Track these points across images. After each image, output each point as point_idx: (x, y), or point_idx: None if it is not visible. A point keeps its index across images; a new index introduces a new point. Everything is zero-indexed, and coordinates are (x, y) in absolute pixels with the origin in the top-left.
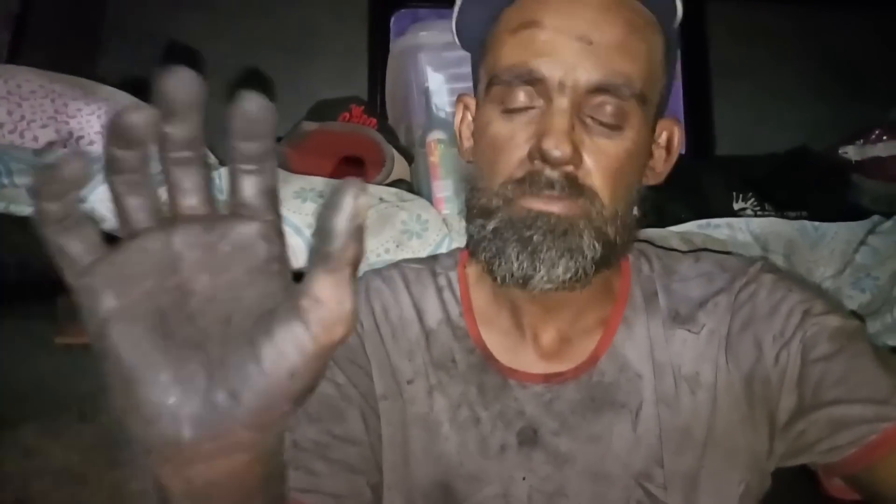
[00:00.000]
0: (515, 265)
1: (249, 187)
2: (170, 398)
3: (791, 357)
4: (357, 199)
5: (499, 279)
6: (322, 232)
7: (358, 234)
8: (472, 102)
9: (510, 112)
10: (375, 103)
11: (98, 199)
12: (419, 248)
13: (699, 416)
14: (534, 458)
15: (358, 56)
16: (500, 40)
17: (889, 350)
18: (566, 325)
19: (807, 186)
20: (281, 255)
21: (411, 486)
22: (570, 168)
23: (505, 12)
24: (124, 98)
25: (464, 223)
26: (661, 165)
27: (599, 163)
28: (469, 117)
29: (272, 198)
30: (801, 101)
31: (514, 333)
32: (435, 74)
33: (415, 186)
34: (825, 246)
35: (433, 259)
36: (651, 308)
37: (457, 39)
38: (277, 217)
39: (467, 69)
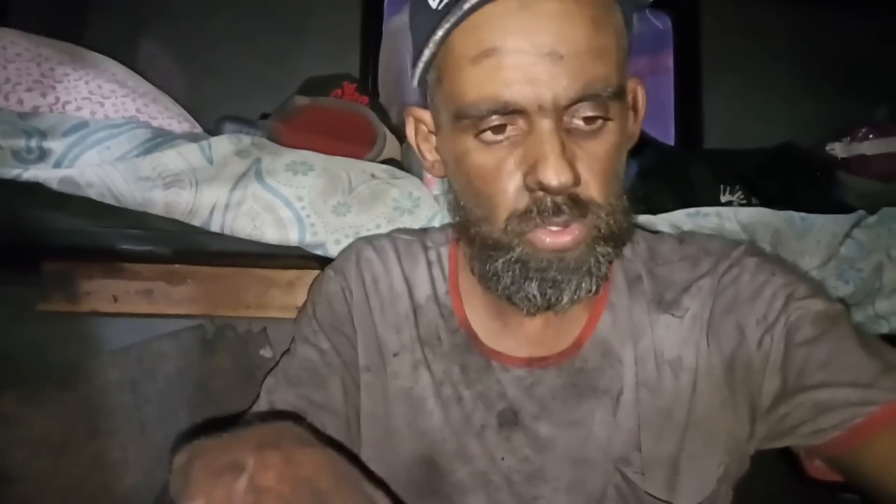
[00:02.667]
0: (539, 299)
1: None
2: None
3: (774, 341)
4: None
5: (521, 309)
6: None
7: None
8: (425, 117)
9: (488, 140)
10: (367, 82)
11: (86, 164)
12: (410, 225)
13: (680, 399)
14: (513, 439)
15: (351, 34)
16: (459, 70)
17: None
18: (552, 314)
19: (793, 182)
20: None
21: (393, 461)
22: (572, 189)
23: (455, 36)
24: (112, 65)
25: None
26: (634, 127)
27: (593, 169)
28: (424, 129)
29: None
30: (791, 96)
31: (499, 317)
32: None
33: (405, 166)
34: (811, 237)
35: (424, 232)
36: (635, 292)
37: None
38: None
39: None
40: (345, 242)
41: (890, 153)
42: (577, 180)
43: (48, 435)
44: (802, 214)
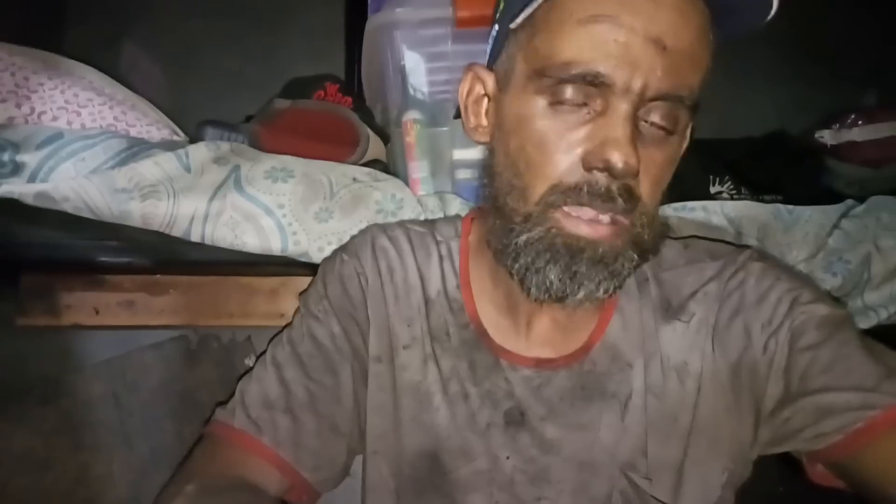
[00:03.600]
0: (555, 286)
1: None
2: None
3: (779, 345)
4: None
5: (531, 293)
6: None
7: None
8: (487, 78)
9: (559, 106)
10: (353, 81)
11: (61, 178)
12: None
13: (686, 404)
14: (519, 439)
15: (334, 32)
16: (562, 29)
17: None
18: (561, 314)
19: (783, 170)
20: None
21: (398, 454)
22: (630, 179)
23: None
24: (89, 73)
25: (439, 203)
26: (680, 153)
27: (649, 172)
28: (479, 91)
29: None
30: (779, 81)
31: (509, 315)
32: (411, 53)
33: (390, 167)
34: (799, 229)
35: (432, 224)
36: (643, 296)
37: None
38: None
39: (445, 48)
40: (328, 249)
41: (879, 139)
42: (638, 171)
43: (31, 450)
44: (789, 207)
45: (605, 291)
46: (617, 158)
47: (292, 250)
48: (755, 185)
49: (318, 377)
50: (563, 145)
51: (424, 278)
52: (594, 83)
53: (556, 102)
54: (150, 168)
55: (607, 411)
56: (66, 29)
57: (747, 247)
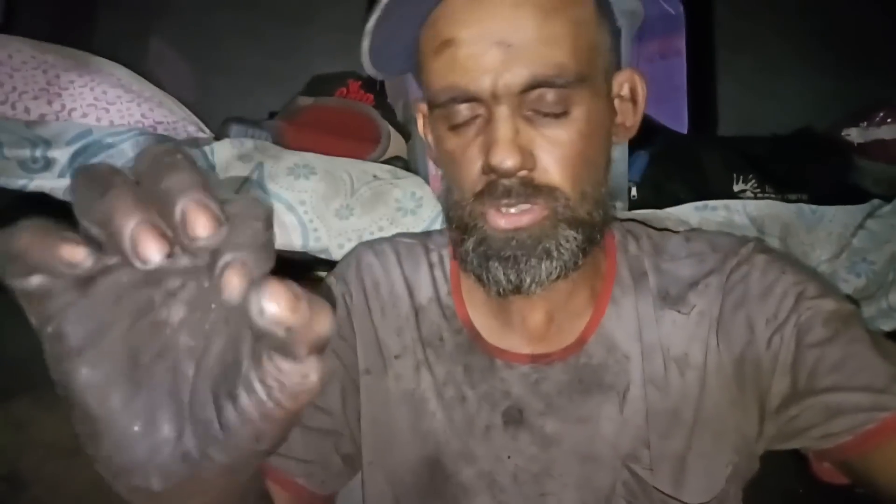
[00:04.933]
0: (503, 280)
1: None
2: (139, 452)
3: (785, 341)
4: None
5: (492, 292)
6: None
7: (313, 319)
8: (426, 109)
9: (457, 127)
10: (374, 79)
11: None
12: (413, 226)
13: (688, 397)
14: (519, 438)
15: (357, 29)
16: (427, 65)
17: (884, 334)
18: (554, 306)
19: (808, 168)
20: None
21: (396, 464)
22: (524, 172)
23: (423, 32)
24: (117, 69)
25: None
26: (630, 118)
27: (554, 155)
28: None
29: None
30: (805, 77)
31: (501, 315)
32: None
33: (411, 164)
34: (822, 229)
35: (426, 235)
36: (640, 288)
37: (371, 68)
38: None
39: None
40: (348, 246)
41: None
42: (528, 161)
43: (60, 439)
44: (813, 206)
45: (552, 273)
46: (497, 160)
47: (313, 246)
48: (780, 183)
49: None
50: (466, 160)
51: (412, 287)
52: (465, 100)
53: (454, 125)
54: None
55: (606, 403)
56: (95, 26)
57: (750, 238)
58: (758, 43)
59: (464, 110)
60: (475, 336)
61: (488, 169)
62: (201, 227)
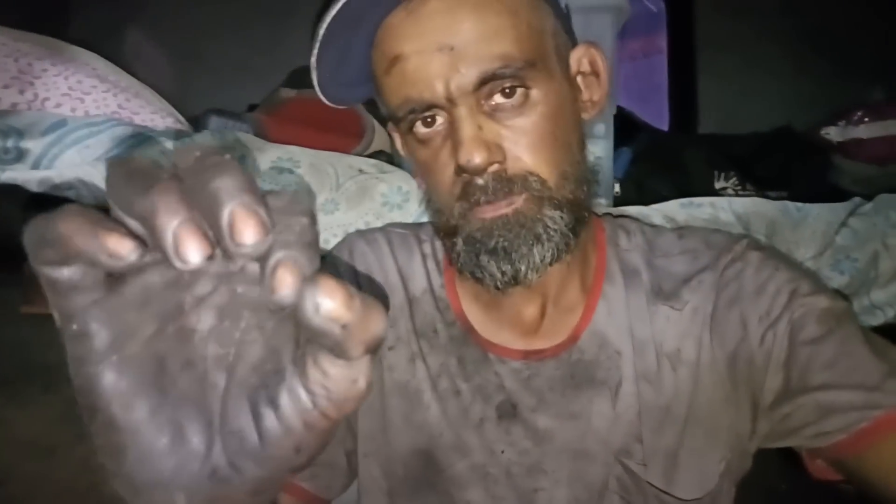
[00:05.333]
0: (498, 273)
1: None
2: (165, 467)
3: (778, 338)
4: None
5: (491, 288)
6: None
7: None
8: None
9: (425, 139)
10: None
11: (65, 165)
12: (400, 220)
13: (680, 393)
14: (513, 432)
15: None
16: (381, 83)
17: (871, 328)
18: (548, 300)
19: (788, 166)
20: None
21: (390, 455)
22: (495, 167)
23: (372, 55)
24: (92, 59)
25: None
26: (595, 93)
27: (522, 143)
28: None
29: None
30: (785, 76)
31: (494, 309)
32: None
33: (395, 158)
34: (807, 227)
35: (418, 226)
36: (632, 283)
37: (329, 100)
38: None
39: None
40: (333, 241)
41: (886, 136)
42: (496, 155)
43: (37, 437)
44: (798, 204)
45: (545, 257)
46: (465, 159)
47: None
48: (761, 181)
49: None
50: (439, 167)
51: (406, 278)
52: (422, 110)
53: (421, 137)
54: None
55: (598, 399)
56: (71, 16)
57: (745, 235)
58: (739, 42)
59: (426, 119)
60: (469, 329)
61: (460, 170)
62: (249, 233)
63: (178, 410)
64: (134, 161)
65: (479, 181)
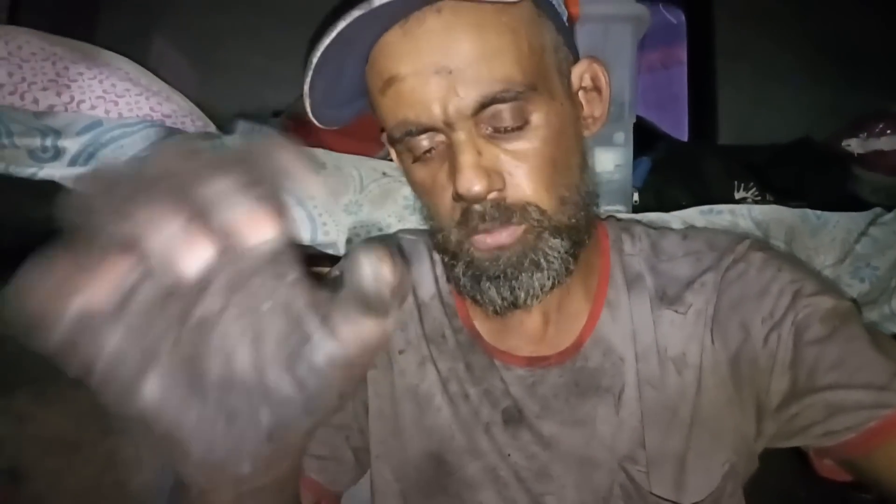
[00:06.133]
0: (498, 299)
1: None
2: (226, 448)
3: (782, 339)
4: (377, 266)
5: (489, 311)
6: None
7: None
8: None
9: (421, 159)
10: None
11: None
12: (421, 224)
13: (685, 396)
14: (520, 437)
15: None
16: (377, 102)
17: (891, 336)
18: (551, 309)
19: (808, 177)
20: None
21: (402, 458)
22: (494, 194)
23: (367, 73)
24: (125, 63)
25: None
26: (597, 109)
27: (522, 168)
28: None
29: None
30: (805, 87)
31: (499, 317)
32: None
33: None
34: (826, 234)
35: (427, 232)
36: (635, 289)
37: (321, 122)
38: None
39: None
40: (356, 241)
41: None
42: (496, 182)
43: (61, 433)
44: (817, 212)
45: (545, 285)
46: (464, 189)
47: (321, 240)
48: (780, 192)
49: None
50: (437, 189)
51: (415, 283)
52: (419, 132)
53: (417, 157)
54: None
55: (602, 406)
56: (97, 25)
57: (747, 236)
58: (758, 53)
59: (423, 141)
60: (475, 336)
61: (457, 195)
62: (263, 231)
63: (222, 394)
64: (110, 170)
65: (478, 207)
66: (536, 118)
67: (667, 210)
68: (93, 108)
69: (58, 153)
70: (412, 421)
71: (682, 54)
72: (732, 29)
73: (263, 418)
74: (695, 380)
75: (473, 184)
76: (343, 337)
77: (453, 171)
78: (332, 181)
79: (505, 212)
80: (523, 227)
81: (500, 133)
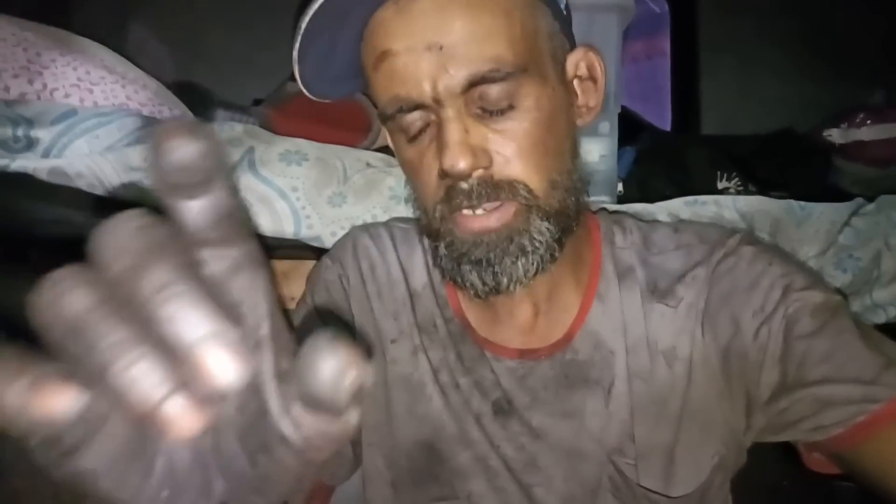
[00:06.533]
0: (479, 283)
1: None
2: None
3: (772, 333)
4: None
5: (473, 295)
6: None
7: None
8: None
9: (413, 138)
10: None
11: (75, 154)
12: (406, 214)
13: (675, 389)
14: (509, 428)
15: None
16: (371, 78)
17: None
18: (542, 300)
19: (790, 167)
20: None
21: (394, 445)
22: (480, 172)
23: (362, 48)
24: (100, 50)
25: None
26: (592, 98)
27: (510, 148)
28: None
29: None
30: (787, 78)
31: (491, 308)
32: None
33: None
34: (810, 225)
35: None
36: (626, 282)
37: (313, 94)
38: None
39: None
40: (340, 234)
41: (887, 139)
42: (482, 160)
43: None
44: (802, 203)
45: (528, 270)
46: (449, 164)
47: (305, 234)
48: (762, 182)
49: None
50: (424, 168)
51: (407, 272)
52: (409, 109)
53: (409, 136)
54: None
55: (591, 398)
56: (73, 10)
57: (738, 230)
58: (741, 44)
59: (415, 120)
60: (466, 326)
61: (444, 174)
62: (226, 374)
63: (169, 463)
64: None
65: (464, 185)
66: (526, 101)
67: (651, 201)
68: (67, 96)
69: (30, 143)
70: (404, 409)
71: (666, 45)
72: (716, 19)
73: (216, 490)
74: (685, 373)
75: (458, 160)
76: (300, 423)
77: (440, 149)
78: (314, 172)
79: (493, 188)
80: (512, 209)
81: (489, 114)
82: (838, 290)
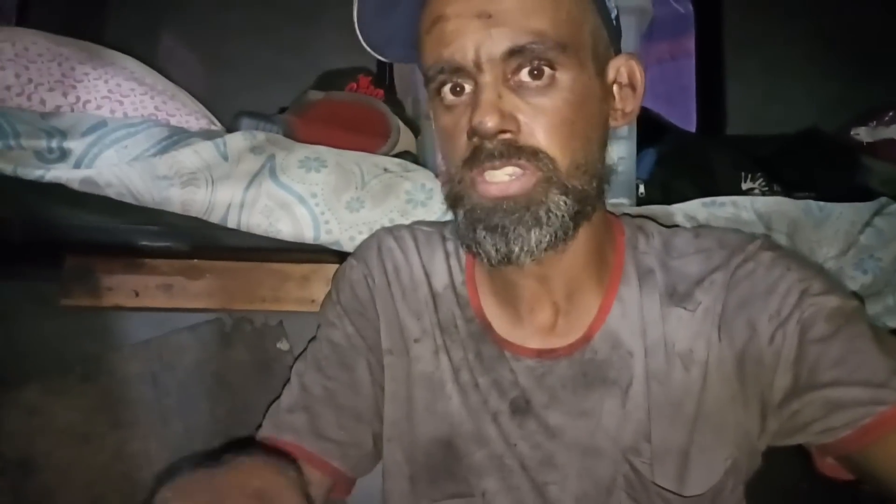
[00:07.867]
0: (492, 250)
1: None
2: None
3: (787, 337)
4: None
5: (485, 262)
6: None
7: None
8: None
9: (450, 106)
10: (384, 75)
11: (104, 164)
12: (424, 218)
13: (691, 391)
14: (525, 426)
15: None
16: (421, 42)
17: (890, 331)
18: (561, 299)
19: (816, 167)
20: None
21: (413, 441)
22: (506, 135)
23: (421, 17)
24: (130, 62)
25: None
26: (629, 104)
27: (539, 121)
28: None
29: None
30: (814, 78)
31: (510, 306)
32: None
33: (420, 159)
34: (829, 226)
35: (443, 224)
36: (647, 285)
37: (361, 37)
38: None
39: None
40: (359, 239)
41: None
42: (510, 124)
43: (71, 425)
44: (821, 203)
45: (541, 241)
46: (476, 121)
47: (324, 239)
48: (788, 183)
49: (334, 374)
50: (457, 133)
51: (430, 273)
52: (453, 71)
53: (446, 101)
54: (190, 156)
55: (608, 398)
56: (106, 22)
57: (758, 235)
58: (767, 44)
59: (454, 85)
60: (486, 326)
61: (472, 133)
62: None
63: None
64: None
65: (489, 144)
66: (562, 79)
67: (672, 203)
68: (98, 107)
69: (64, 154)
70: (424, 406)
71: (691, 45)
72: (741, 19)
73: None
74: (700, 376)
75: (486, 117)
76: None
77: (473, 109)
78: (333, 178)
79: (515, 151)
80: (534, 179)
81: (524, 87)
82: (856, 295)
